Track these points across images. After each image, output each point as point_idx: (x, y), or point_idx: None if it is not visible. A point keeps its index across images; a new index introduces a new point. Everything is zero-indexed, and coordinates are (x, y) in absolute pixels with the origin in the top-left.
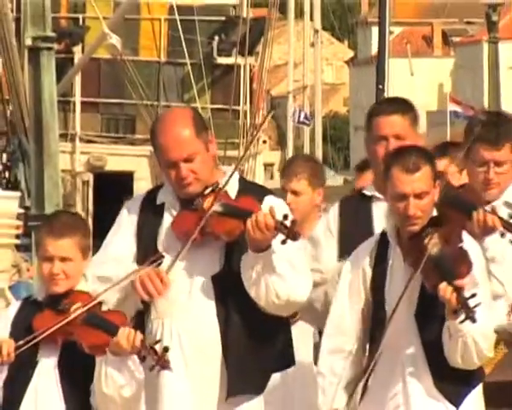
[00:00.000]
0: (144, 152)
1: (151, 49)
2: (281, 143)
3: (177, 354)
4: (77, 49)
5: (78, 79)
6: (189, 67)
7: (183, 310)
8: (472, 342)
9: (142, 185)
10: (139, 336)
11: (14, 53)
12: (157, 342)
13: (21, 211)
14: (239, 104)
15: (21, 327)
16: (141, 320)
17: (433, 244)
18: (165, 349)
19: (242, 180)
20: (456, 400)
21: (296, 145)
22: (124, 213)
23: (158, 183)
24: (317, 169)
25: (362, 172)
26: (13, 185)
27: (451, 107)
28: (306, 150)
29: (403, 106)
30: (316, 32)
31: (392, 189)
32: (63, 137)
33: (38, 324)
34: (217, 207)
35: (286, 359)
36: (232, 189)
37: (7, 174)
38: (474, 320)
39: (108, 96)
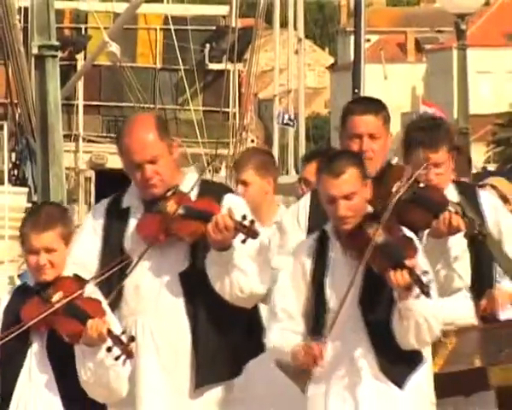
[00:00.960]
0: None
1: (147, 56)
2: (267, 142)
3: (151, 350)
4: (79, 57)
5: (80, 84)
6: (183, 73)
7: (154, 308)
8: (424, 320)
9: None
10: (106, 325)
11: (22, 60)
12: (123, 332)
13: (29, 205)
14: (229, 107)
15: (12, 315)
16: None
17: (378, 234)
18: (131, 339)
19: (202, 181)
20: (399, 381)
21: (281, 144)
22: (89, 218)
23: None
24: (265, 159)
25: (308, 163)
26: (21, 182)
27: (423, 108)
28: (291, 149)
29: (376, 106)
30: (299, 40)
31: (323, 192)
32: (67, 137)
33: (25, 311)
34: (179, 210)
35: (259, 346)
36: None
37: (16, 172)
38: (428, 295)
39: (108, 100)
